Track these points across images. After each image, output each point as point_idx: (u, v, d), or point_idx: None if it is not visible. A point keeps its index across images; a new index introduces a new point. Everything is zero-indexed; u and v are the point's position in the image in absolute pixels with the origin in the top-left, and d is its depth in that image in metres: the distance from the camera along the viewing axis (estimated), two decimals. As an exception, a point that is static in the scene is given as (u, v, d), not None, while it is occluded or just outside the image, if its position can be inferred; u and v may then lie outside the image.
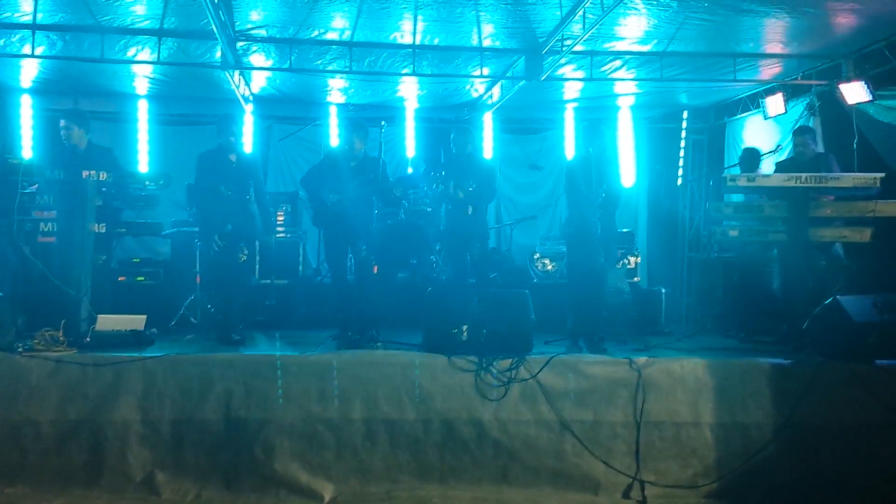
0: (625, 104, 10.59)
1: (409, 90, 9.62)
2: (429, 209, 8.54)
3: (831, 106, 8.33)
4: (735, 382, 6.15)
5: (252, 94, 9.67)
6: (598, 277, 7.05)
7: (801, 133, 7.73)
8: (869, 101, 8.00)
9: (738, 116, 10.35)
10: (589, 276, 6.97)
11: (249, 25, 7.43)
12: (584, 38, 7.27)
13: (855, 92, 8.03)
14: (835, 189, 6.89)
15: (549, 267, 8.93)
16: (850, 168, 7.67)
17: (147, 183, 6.46)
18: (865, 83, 7.93)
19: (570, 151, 10.57)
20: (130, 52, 7.93)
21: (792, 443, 6.03)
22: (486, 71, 8.65)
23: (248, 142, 9.74)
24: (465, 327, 6.12)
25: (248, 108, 9.71)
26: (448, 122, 10.27)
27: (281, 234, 8.49)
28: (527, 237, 10.05)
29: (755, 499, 5.93)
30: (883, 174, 6.73)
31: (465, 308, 6.20)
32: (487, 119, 10.64)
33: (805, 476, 5.98)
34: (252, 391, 5.94)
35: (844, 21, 7.26)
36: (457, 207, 7.55)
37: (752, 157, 8.56)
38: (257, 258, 7.95)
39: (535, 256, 9.05)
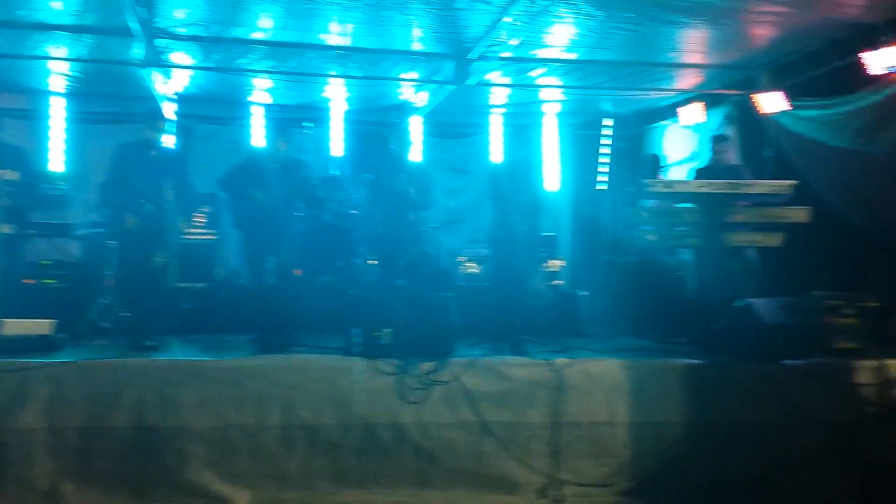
0: (550, 111, 10.75)
1: (337, 92, 9.60)
2: (355, 211, 8.51)
3: (748, 116, 8.60)
4: (649, 383, 6.31)
5: (175, 92, 9.53)
6: (521, 280, 7.14)
7: (717, 141, 7.98)
8: (784, 112, 8.31)
9: (659, 124, 10.61)
10: (512, 279, 7.06)
11: (172, 23, 7.32)
12: (511, 46, 7.36)
13: (770, 102, 8.32)
14: (749, 195, 7.12)
15: (474, 270, 9.01)
16: (766, 177, 7.96)
17: (59, 182, 6.29)
18: (781, 94, 8.23)
19: (496, 156, 10.68)
20: (47, 49, 7.74)
21: (704, 442, 6.21)
22: (414, 75, 8.68)
23: (169, 140, 9.57)
24: (387, 331, 6.14)
25: (170, 106, 9.56)
26: (377, 126, 10.26)
27: (199, 236, 8.35)
28: (453, 240, 10.12)
29: (668, 496, 6.09)
30: (795, 181, 6.99)
31: (389, 311, 6.23)
32: (416, 123, 10.69)
33: (716, 474, 6.16)
34: (165, 398, 5.84)
35: (762, 33, 7.48)
36: (395, 212, 7.53)
37: (653, 163, 8.80)
38: (173, 260, 7.80)
39: (461, 259, 9.12)
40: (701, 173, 7.80)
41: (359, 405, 5.98)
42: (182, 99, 9.68)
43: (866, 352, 6.63)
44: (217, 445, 5.83)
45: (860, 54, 6.99)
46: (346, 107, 10.29)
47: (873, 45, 6.90)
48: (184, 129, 10.03)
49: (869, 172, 7.45)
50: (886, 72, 6.94)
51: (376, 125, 10.28)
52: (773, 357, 6.38)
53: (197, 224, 8.36)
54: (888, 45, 6.79)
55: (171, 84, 9.22)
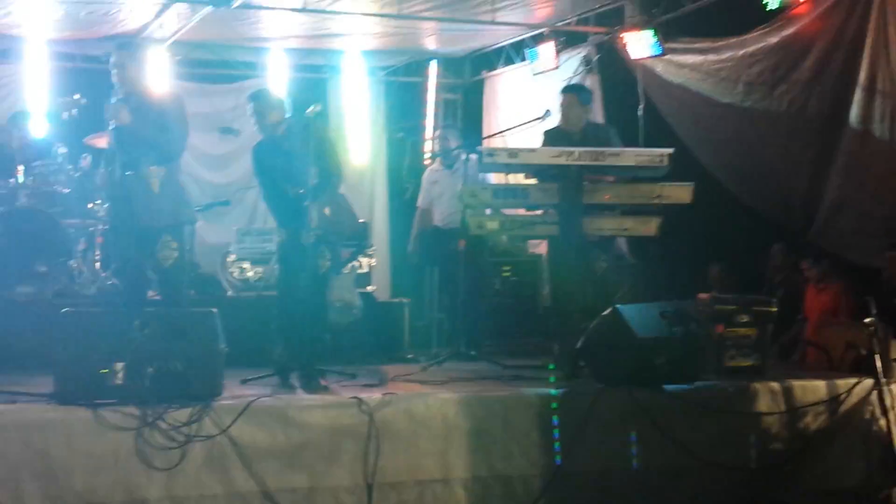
0: (353, 48, 10.74)
1: (33, 13, 9.09)
2: (66, 190, 8.25)
3: (613, 61, 8.95)
4: (495, 423, 6.37)
5: None
6: (318, 288, 7.10)
7: (569, 92, 8.13)
8: (657, 57, 8.65)
9: (500, 70, 10.85)
10: (305, 285, 6.99)
11: None
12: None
13: (641, 44, 8.64)
14: (615, 168, 7.37)
15: (251, 273, 8.86)
16: (637, 143, 8.27)
17: None
18: (654, 32, 8.56)
19: (278, 111, 10.57)
20: None
21: (565, 498, 6.37)
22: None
23: None
24: (119, 365, 5.88)
25: None
26: (99, 61, 9.84)
27: None
28: (218, 232, 9.91)
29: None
30: (671, 150, 7.26)
31: (123, 337, 5.95)
32: (157, 58, 10.22)
33: (581, 539, 6.36)
34: None
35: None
36: (132, 186, 7.03)
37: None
38: None
39: (230, 259, 8.93)
40: (550, 136, 8.00)
41: (80, 477, 5.66)
42: None
43: (766, 371, 7.03)
44: None
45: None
46: (52, 34, 9.80)
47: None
48: None
49: (766, 137, 7.91)
50: (787, 5, 7.35)
51: (99, 61, 9.79)
52: (651, 381, 6.59)
53: None
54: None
55: None
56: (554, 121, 8.05)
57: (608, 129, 8.18)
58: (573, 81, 9.16)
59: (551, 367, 7.13)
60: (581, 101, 8.02)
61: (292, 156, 6.98)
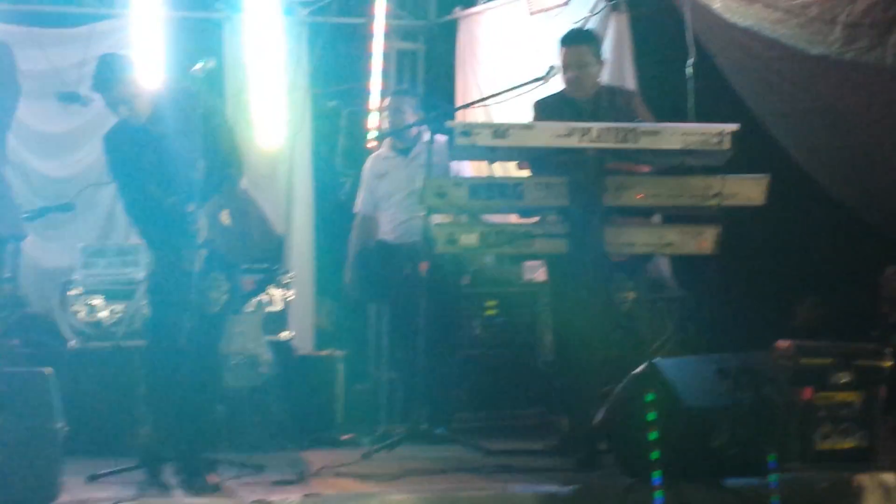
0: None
1: None
2: None
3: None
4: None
5: None
6: (207, 336, 7.13)
7: (576, 43, 8.16)
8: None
9: (481, 6, 10.89)
10: (186, 332, 6.98)
11: None
12: None
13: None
14: (652, 154, 7.43)
15: (104, 314, 8.82)
16: (683, 115, 8.27)
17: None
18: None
19: (145, 72, 10.53)
20: None
21: None
22: None
23: None
24: None
25: None
26: None
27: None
28: (56, 252, 9.87)
29: None
30: (735, 126, 7.29)
31: None
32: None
33: None
34: None
35: None
36: None
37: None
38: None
39: (73, 293, 8.89)
40: (547, 109, 8.05)
41: None
42: None
43: (877, 456, 7.03)
44: None
45: None
46: None
47: None
48: None
49: (875, 107, 7.94)
50: None
51: None
52: (706, 472, 6.61)
53: None
54: None
55: None
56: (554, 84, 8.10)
57: (630, 95, 8.28)
58: (588, 24, 9.16)
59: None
60: (595, 56, 8.09)
61: (165, 145, 7.01)
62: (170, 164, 6.94)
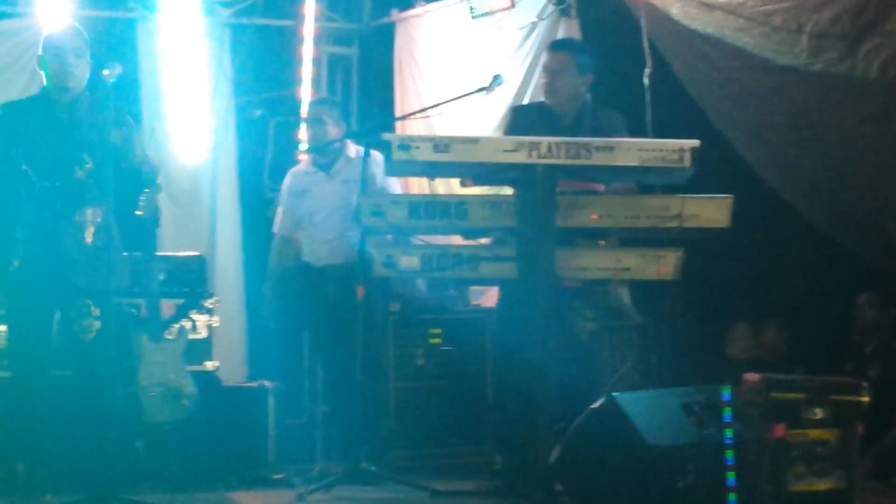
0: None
1: None
2: None
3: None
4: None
5: None
6: (84, 367, 7.12)
7: (561, 50, 8.17)
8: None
9: (420, 8, 10.84)
10: (86, 367, 7.02)
11: None
12: None
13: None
14: (607, 171, 7.38)
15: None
16: (640, 130, 8.22)
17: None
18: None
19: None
20: None
21: None
22: None
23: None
24: None
25: None
26: None
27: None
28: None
29: None
30: (696, 142, 7.26)
31: None
32: None
33: None
34: None
35: None
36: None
37: None
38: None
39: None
40: (522, 119, 8.06)
41: None
42: None
43: (854, 499, 6.96)
44: None
45: None
46: None
47: None
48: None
49: (846, 122, 7.91)
50: None
51: None
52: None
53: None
54: None
55: None
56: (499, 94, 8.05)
57: (614, 117, 8.17)
58: (538, 26, 9.12)
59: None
60: (578, 67, 8.04)
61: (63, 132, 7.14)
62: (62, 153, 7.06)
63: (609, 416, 6.64)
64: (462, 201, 7.57)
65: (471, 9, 9.78)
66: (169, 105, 10.88)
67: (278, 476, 8.51)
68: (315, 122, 9.24)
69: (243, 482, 8.30)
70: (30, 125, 7.18)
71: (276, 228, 9.33)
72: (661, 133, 7.85)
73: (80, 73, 7.22)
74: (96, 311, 7.04)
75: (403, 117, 10.16)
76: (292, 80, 11.46)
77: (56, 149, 7.11)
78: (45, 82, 7.27)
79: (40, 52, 7.30)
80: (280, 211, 9.28)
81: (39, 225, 7.07)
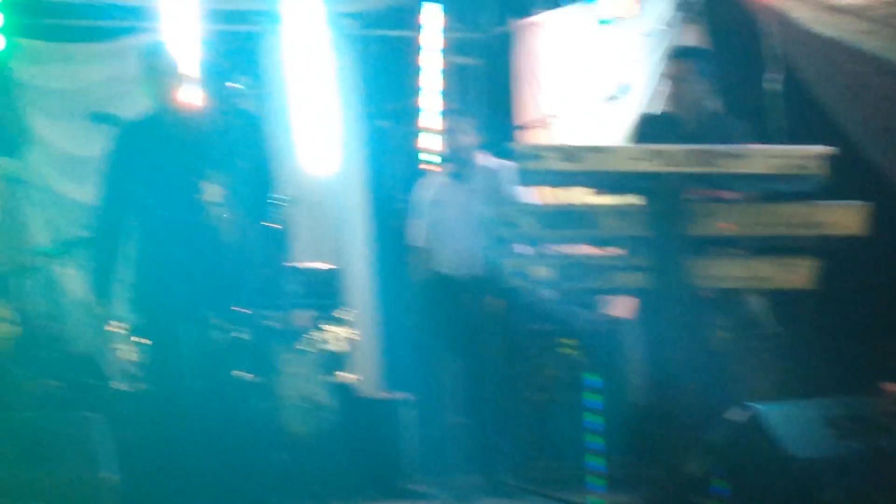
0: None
1: None
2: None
3: (728, 3, 8.89)
4: None
5: None
6: (258, 379, 7.23)
7: (685, 58, 8.19)
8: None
9: (542, 16, 10.86)
10: (224, 378, 7.17)
11: None
12: None
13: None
14: (737, 179, 7.33)
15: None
16: (772, 137, 8.19)
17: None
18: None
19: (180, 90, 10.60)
20: None
21: None
22: None
23: None
24: None
25: None
26: None
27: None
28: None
29: None
30: (829, 149, 7.15)
31: None
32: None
33: None
34: None
35: None
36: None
37: None
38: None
39: (115, 329, 8.80)
40: (648, 127, 8.07)
41: None
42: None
43: None
44: None
45: None
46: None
47: None
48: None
49: None
50: None
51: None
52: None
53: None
54: None
55: None
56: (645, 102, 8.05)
57: (738, 124, 8.17)
58: (666, 34, 9.12)
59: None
60: (701, 74, 8.07)
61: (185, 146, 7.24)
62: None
63: (751, 428, 6.65)
64: (592, 210, 7.55)
65: (598, 17, 9.77)
66: (296, 117, 10.97)
67: (419, 488, 8.59)
68: (451, 132, 9.28)
69: (383, 493, 8.39)
70: (150, 141, 7.30)
71: (411, 240, 9.38)
72: (795, 140, 7.78)
73: (183, 90, 7.29)
74: (234, 324, 7.13)
75: (527, 127, 10.18)
76: (415, 90, 11.54)
77: (183, 165, 7.20)
78: (156, 99, 7.36)
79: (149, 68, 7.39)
80: (415, 223, 9.33)
81: (173, 238, 7.17)
